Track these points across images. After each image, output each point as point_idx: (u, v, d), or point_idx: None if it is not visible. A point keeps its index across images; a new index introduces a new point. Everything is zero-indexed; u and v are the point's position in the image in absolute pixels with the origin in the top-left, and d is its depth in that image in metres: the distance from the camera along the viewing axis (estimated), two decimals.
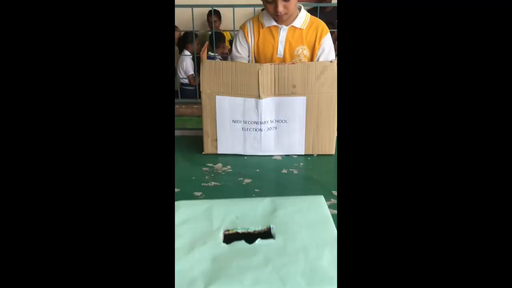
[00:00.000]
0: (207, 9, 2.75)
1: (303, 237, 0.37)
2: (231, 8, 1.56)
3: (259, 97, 0.98)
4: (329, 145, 1.04)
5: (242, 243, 0.37)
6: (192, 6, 1.78)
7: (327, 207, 0.42)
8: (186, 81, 2.69)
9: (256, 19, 1.24)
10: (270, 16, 1.18)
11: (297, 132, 1.02)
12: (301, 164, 1.01)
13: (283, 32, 1.20)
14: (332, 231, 0.38)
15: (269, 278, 0.33)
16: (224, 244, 0.37)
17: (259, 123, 1.00)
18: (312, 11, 1.93)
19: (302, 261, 0.34)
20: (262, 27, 1.22)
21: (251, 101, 0.98)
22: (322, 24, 1.23)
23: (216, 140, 1.04)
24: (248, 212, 0.42)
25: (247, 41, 1.23)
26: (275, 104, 0.99)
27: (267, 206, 0.43)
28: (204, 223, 0.40)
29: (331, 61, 0.97)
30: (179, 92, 2.25)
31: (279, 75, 0.96)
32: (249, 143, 1.03)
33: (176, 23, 1.53)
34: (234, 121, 1.01)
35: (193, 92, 2.49)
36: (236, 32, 1.34)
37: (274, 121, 1.01)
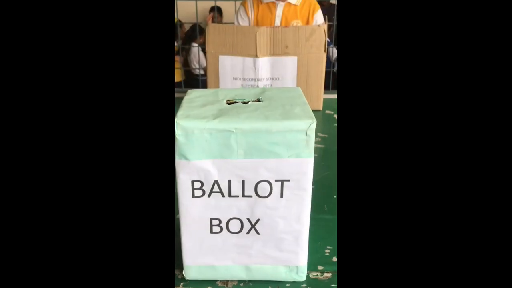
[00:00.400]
0: (208, 3, 2.87)
1: (283, 101, 0.52)
2: (233, 3, 1.54)
3: (256, 56, 1.13)
4: (317, 101, 1.19)
5: (239, 104, 0.53)
6: None
7: (302, 93, 0.57)
8: (201, 72, 2.83)
9: None
10: None
11: None
12: None
13: (280, 7, 1.37)
14: (303, 100, 0.53)
15: (257, 116, 0.48)
16: (227, 105, 0.52)
17: (256, 80, 1.16)
18: None
19: (280, 110, 0.49)
20: (261, 3, 1.38)
21: (250, 60, 1.14)
22: (314, 1, 1.39)
23: None
24: (244, 93, 0.57)
25: (247, 14, 1.39)
26: (270, 63, 1.15)
27: (259, 90, 0.58)
28: (212, 97, 0.55)
29: (318, 25, 1.12)
30: (186, 84, 2.36)
31: (274, 37, 1.12)
32: None
33: (180, 17, 1.62)
34: (234, 78, 1.17)
35: (203, 82, 2.61)
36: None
37: (269, 78, 1.17)
